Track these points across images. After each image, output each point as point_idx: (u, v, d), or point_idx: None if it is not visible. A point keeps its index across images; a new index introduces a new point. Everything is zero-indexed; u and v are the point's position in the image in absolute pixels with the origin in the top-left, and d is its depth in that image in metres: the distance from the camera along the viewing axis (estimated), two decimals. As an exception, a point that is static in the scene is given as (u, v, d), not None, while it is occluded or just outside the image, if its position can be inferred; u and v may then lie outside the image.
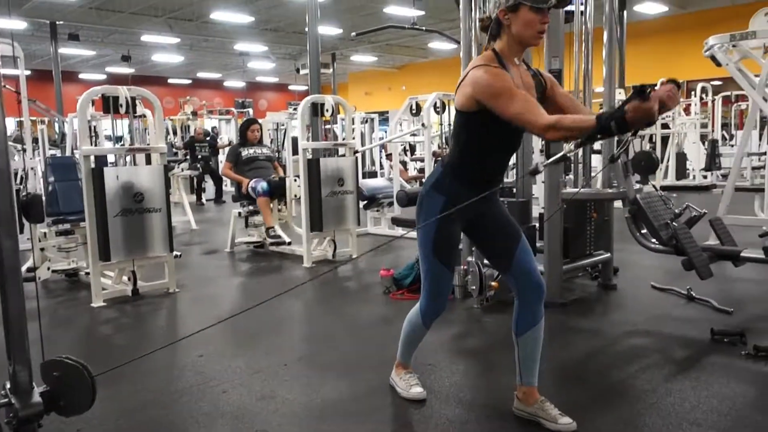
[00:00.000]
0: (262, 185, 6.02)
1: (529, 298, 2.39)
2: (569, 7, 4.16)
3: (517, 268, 2.40)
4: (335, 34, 19.50)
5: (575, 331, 3.58)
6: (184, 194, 8.60)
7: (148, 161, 5.14)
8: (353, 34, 12.84)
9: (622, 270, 4.84)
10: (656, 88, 1.92)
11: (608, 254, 4.43)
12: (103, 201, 4.25)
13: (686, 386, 2.73)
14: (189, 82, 28.91)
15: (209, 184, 12.33)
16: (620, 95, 10.35)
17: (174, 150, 12.39)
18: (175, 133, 15.28)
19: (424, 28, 13.78)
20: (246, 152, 6.32)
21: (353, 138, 6.07)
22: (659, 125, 10.45)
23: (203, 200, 11.46)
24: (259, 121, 7.25)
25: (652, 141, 11.54)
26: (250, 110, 17.66)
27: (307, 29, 10.51)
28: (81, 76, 25.84)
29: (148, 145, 4.95)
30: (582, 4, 4.27)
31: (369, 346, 3.42)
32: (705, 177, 10.59)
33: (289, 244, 5.88)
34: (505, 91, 2.10)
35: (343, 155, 6.00)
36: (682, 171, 10.74)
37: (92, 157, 4.47)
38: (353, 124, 6.49)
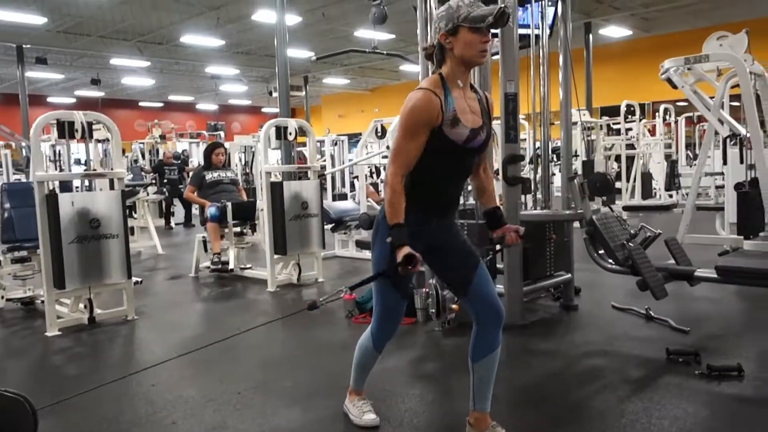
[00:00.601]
0: (211, 210, 5.99)
1: (487, 324, 2.38)
2: (523, 31, 4.23)
3: (475, 295, 2.38)
4: (306, 57, 19.59)
5: (534, 353, 3.58)
6: (149, 218, 8.47)
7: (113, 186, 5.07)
8: (313, 57, 12.81)
9: (584, 290, 4.87)
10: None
11: (569, 275, 4.45)
12: (58, 227, 4.16)
13: (639, 407, 2.74)
14: (161, 105, 28.81)
15: (178, 208, 12.20)
16: (585, 116, 10.55)
17: (143, 174, 12.27)
18: (143, 156, 15.15)
19: (384, 51, 13.89)
20: (210, 176, 6.28)
21: (318, 161, 6.04)
22: (624, 145, 10.63)
23: (172, 224, 11.32)
24: (226, 144, 7.21)
25: (618, 161, 11.74)
26: (221, 133, 17.59)
27: (276, 52, 10.54)
28: (49, 99, 25.55)
29: (110, 170, 4.84)
30: (537, 27, 4.34)
31: (326, 372, 3.37)
32: (670, 196, 10.77)
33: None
34: (409, 126, 2.19)
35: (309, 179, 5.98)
36: (648, 190, 10.90)
37: (48, 183, 4.38)
38: (319, 147, 6.47)
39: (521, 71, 3.99)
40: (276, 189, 5.39)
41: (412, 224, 2.30)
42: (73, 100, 26.04)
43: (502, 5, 2.30)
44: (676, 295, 4.43)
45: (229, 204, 6.02)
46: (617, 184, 11.21)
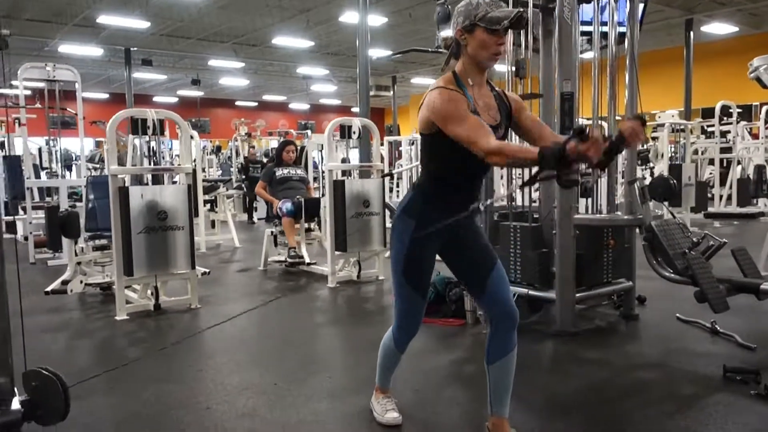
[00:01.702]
0: (287, 206, 6.14)
1: (501, 326, 2.33)
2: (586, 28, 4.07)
3: (490, 296, 2.33)
4: (394, 58, 19.73)
5: (580, 362, 3.44)
6: (228, 213, 8.83)
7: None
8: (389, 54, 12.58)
9: (650, 300, 4.63)
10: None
11: (629, 283, 4.24)
12: (128, 218, 4.43)
13: (680, 426, 2.57)
14: (255, 104, 29.90)
15: (261, 204, 12.62)
16: (674, 117, 9.99)
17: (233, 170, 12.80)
18: (237, 154, 15.80)
19: (444, 50, 13.68)
20: (280, 172, 6.46)
21: (381, 161, 6.07)
22: (718, 149, 9.97)
23: (254, 219, 11.74)
24: (296, 142, 7.40)
25: (723, 165, 11.00)
26: (309, 132, 18.03)
27: (357, 52, 10.68)
28: (155, 99, 27.13)
29: (178, 165, 5.09)
30: (604, 24, 4.15)
31: (364, 369, 3.38)
32: (756, 204, 9.98)
33: (308, 264, 5.94)
34: (455, 114, 2.09)
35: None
36: (745, 197, 10.17)
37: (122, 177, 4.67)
38: (382, 146, 6.51)
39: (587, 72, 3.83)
40: (338, 187, 5.47)
41: (429, 220, 2.28)
42: (176, 100, 27.54)
43: (520, 9, 2.22)
44: (748, 309, 4.12)
45: (303, 200, 6.18)
46: (715, 190, 10.57)
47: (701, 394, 2.92)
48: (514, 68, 4.16)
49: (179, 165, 4.98)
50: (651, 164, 10.22)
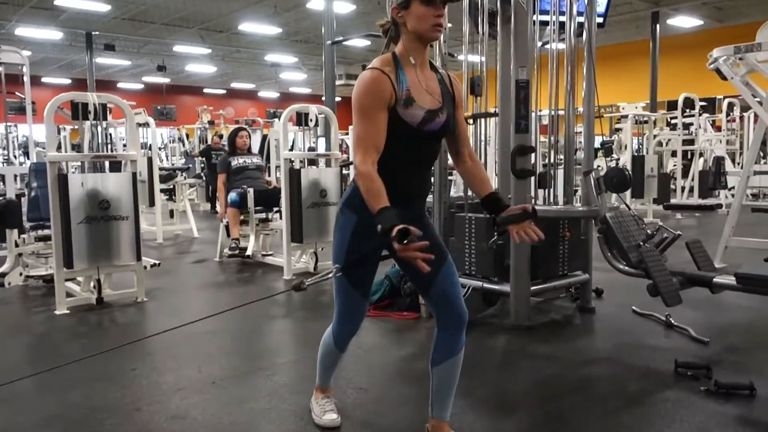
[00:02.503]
0: (232, 195, 5.99)
1: (449, 326, 2.19)
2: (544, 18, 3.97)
3: (438, 294, 2.20)
4: (364, 46, 19.53)
5: (531, 357, 3.35)
6: (187, 202, 8.60)
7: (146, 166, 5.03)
8: (328, 42, 12.20)
9: (608, 292, 4.58)
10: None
11: (585, 275, 4.18)
12: (67, 208, 4.22)
13: (626, 423, 2.50)
14: (224, 92, 29.41)
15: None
16: (637, 109, 10.01)
17: (191, 157, 12.50)
18: (201, 141, 15.47)
19: None
20: (236, 162, 6.28)
21: (344, 150, 5.92)
22: (681, 141, 10.03)
23: (217, 208, 11.47)
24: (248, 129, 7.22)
25: (687, 157, 11.07)
26: (277, 120, 17.77)
27: (323, 40, 10.51)
28: (119, 85, 26.51)
29: (123, 152, 4.87)
30: (562, 14, 4.05)
31: (309, 366, 3.24)
32: (717, 196, 10.08)
33: (248, 257, 5.81)
34: (365, 110, 2.00)
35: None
36: (706, 189, 10.25)
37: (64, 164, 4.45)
38: (347, 135, 6.37)
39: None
40: (294, 176, 5.31)
41: (371, 215, 2.15)
42: (141, 86, 26.94)
43: None
44: (704, 302, 4.09)
45: (250, 190, 6.00)
46: (678, 182, 10.64)
47: (650, 390, 2.85)
48: (468, 86, 4.08)
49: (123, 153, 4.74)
50: (615, 156, 10.24)
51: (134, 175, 4.52)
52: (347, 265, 2.20)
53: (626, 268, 3.51)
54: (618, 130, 10.88)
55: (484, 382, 2.99)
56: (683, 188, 10.31)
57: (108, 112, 9.82)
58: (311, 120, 5.53)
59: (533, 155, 3.78)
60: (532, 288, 3.83)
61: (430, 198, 4.05)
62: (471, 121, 4.05)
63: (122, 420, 2.59)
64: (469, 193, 4.27)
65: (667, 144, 10.41)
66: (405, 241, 1.77)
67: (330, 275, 2.06)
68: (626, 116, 9.60)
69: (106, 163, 8.45)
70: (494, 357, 3.40)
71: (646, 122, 9.86)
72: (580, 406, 2.70)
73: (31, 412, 2.68)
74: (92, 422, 2.57)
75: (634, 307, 4.14)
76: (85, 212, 4.27)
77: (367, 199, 1.96)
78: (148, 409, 2.69)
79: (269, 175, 6.83)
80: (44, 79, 23.85)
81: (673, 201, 9.65)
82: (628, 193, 8.71)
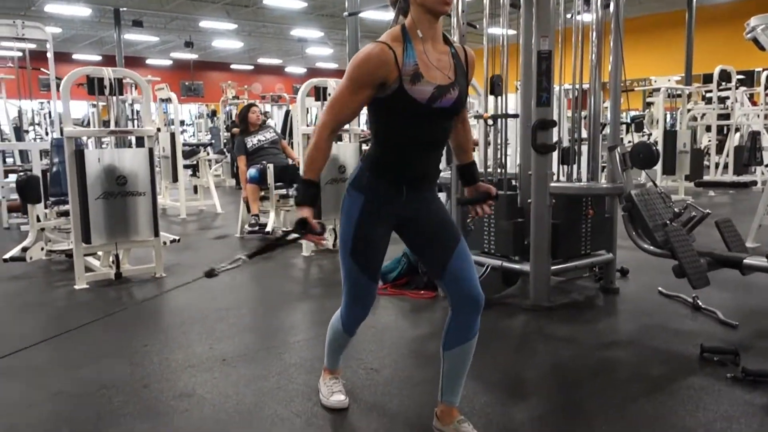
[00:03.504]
0: (251, 172, 5.95)
1: (463, 311, 2.09)
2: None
3: (452, 278, 2.10)
4: (390, 20, 19.20)
5: (549, 339, 3.25)
6: (211, 178, 8.60)
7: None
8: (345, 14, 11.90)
9: (633, 272, 4.43)
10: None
11: (609, 254, 4.03)
12: (84, 183, 4.21)
13: (646, 410, 2.39)
14: (251, 68, 29.36)
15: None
16: (670, 82, 9.66)
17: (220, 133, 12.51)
18: (229, 117, 15.47)
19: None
20: (251, 143, 6.22)
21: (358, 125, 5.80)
22: (716, 116, 9.65)
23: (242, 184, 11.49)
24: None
25: (721, 132, 10.66)
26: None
27: (345, 12, 10.33)
28: (148, 61, 26.65)
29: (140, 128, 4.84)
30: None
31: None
32: (753, 172, 9.69)
33: (268, 233, 5.76)
34: (352, 80, 1.95)
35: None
36: (741, 166, 9.88)
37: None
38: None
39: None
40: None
41: (383, 195, 2.07)
42: (170, 62, 27.04)
43: None
44: (734, 284, 3.92)
45: (270, 166, 5.95)
46: (712, 158, 10.29)
47: (673, 376, 2.73)
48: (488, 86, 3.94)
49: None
50: (646, 131, 9.92)
51: (151, 150, 4.49)
52: (355, 249, 2.13)
53: (651, 247, 3.36)
54: (650, 104, 10.52)
55: (498, 364, 2.90)
56: (717, 164, 9.95)
57: (134, 88, 9.85)
58: (329, 94, 5.41)
59: (556, 130, 3.64)
60: (553, 267, 3.71)
61: (447, 174, 3.94)
62: (491, 121, 3.93)
63: (129, 397, 2.56)
64: (489, 170, 4.15)
65: (701, 118, 10.03)
66: (302, 231, 1.95)
67: (239, 263, 2.00)
68: (658, 90, 9.27)
69: (132, 139, 8.47)
70: (510, 339, 3.31)
71: (679, 96, 9.51)
72: (599, 391, 2.60)
73: (41, 386, 2.68)
74: (100, 399, 2.55)
75: (660, 288, 3.99)
76: (102, 188, 4.26)
77: (305, 162, 2.04)
78: (156, 387, 2.67)
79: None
80: (75, 56, 24.08)
81: (706, 178, 9.33)
82: (659, 169, 8.45)
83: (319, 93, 5.46)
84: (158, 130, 8.65)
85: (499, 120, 4.05)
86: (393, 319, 3.65)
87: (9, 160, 9.81)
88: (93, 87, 4.37)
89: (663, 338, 3.22)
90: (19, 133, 10.87)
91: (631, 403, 2.47)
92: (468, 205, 2.26)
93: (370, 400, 2.53)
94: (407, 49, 1.93)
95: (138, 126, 9.36)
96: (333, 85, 5.47)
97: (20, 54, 7.17)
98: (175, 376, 2.78)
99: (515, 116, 3.94)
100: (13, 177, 7.15)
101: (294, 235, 1.97)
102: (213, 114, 18.48)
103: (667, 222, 3.36)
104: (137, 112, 11.62)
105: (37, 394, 2.61)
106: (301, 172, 2.14)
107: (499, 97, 4.07)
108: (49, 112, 15.92)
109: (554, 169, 3.81)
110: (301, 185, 2.03)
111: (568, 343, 3.19)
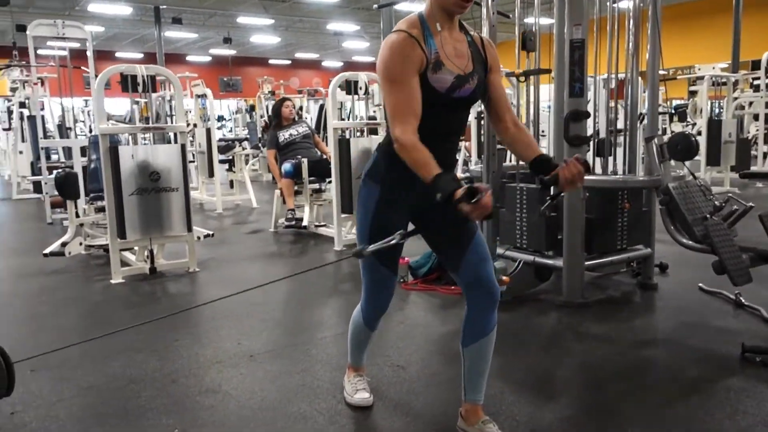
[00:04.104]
0: (286, 166, 5.95)
1: (479, 305, 2.06)
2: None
3: (467, 271, 2.06)
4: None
5: (581, 337, 3.16)
6: (246, 173, 8.68)
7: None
8: (375, 6, 11.67)
9: (673, 267, 4.29)
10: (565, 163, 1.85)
11: (647, 249, 3.90)
12: (119, 179, 4.27)
13: (680, 414, 2.30)
14: (288, 62, 29.55)
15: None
16: (714, 70, 9.31)
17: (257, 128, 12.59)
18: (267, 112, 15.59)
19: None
20: (282, 137, 6.23)
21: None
22: (764, 104, 9.27)
23: (278, 179, 11.58)
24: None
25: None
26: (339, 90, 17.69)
27: (376, 5, 10.27)
28: (188, 58, 27.06)
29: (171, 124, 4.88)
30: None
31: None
32: None
33: (305, 228, 5.76)
34: (395, 75, 1.84)
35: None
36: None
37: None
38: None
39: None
40: (343, 146, 5.21)
41: (398, 185, 2.02)
42: (209, 59, 27.40)
43: None
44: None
45: (305, 160, 5.95)
46: (759, 148, 9.92)
47: (712, 377, 2.62)
48: (520, 42, 3.81)
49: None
50: (690, 120, 9.60)
51: (183, 146, 4.53)
52: (371, 240, 2.09)
53: (690, 242, 3.23)
54: (694, 93, 10.17)
55: (527, 363, 2.83)
56: (765, 155, 9.57)
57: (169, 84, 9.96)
58: (360, 88, 5.38)
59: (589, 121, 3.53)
60: (587, 262, 3.61)
61: (478, 167, 3.87)
62: (523, 78, 3.81)
63: (157, 392, 2.59)
64: (521, 162, 4.06)
65: (749, 107, 9.65)
66: (475, 200, 1.63)
67: (393, 241, 1.92)
68: (702, 78, 8.95)
69: (171, 136, 8.62)
70: (541, 336, 3.23)
71: (724, 84, 9.16)
72: (631, 393, 2.50)
73: (71, 380, 2.73)
74: (128, 393, 2.58)
75: (701, 285, 3.85)
76: (136, 184, 4.32)
77: (416, 170, 1.83)
78: (183, 382, 2.69)
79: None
80: (117, 54, 24.61)
81: (753, 168, 9.00)
82: (702, 160, 8.18)
83: (350, 86, 5.42)
84: (194, 126, 8.81)
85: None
86: (422, 315, 3.61)
87: (54, 157, 10.09)
88: (127, 84, 4.43)
89: (702, 337, 3.10)
90: (62, 130, 11.18)
91: (665, 405, 2.37)
92: (555, 184, 1.88)
93: (395, 398, 2.50)
94: (426, 37, 1.88)
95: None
96: (364, 78, 5.44)
97: (65, 53, 7.35)
98: (202, 372, 2.80)
99: (547, 71, 3.78)
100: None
101: (470, 204, 1.64)
102: (251, 109, 18.69)
103: (707, 216, 3.22)
104: (172, 107, 11.85)
105: (67, 388, 2.66)
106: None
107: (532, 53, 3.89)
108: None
109: (590, 161, 3.69)
110: (436, 182, 1.75)
111: (601, 341, 3.09)
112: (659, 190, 3.36)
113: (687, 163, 5.31)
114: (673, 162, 3.52)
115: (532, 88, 4.04)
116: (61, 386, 2.67)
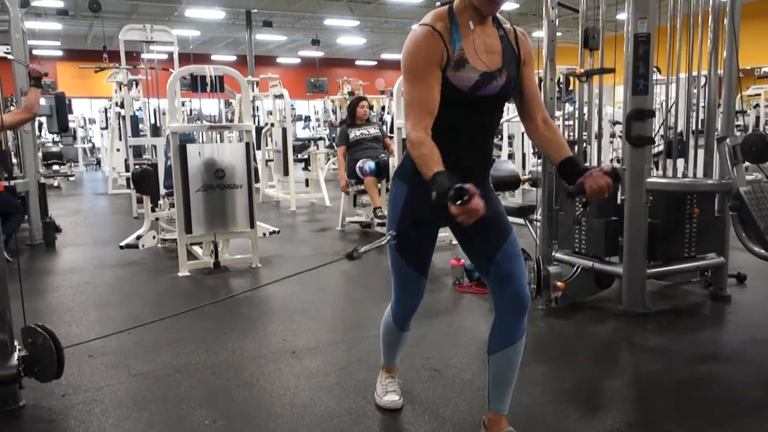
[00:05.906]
0: (369, 165, 5.94)
1: (508, 311, 1.98)
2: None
3: (498, 274, 1.98)
4: (512, 9, 18.70)
5: (636, 349, 2.98)
6: (320, 171, 8.82)
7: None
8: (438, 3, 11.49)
9: (753, 279, 3.98)
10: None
11: (720, 258, 3.63)
12: (186, 176, 4.45)
13: (731, 438, 2.11)
14: (374, 63, 29.84)
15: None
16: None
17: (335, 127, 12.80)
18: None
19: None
20: (353, 134, 6.27)
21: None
22: None
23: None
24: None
25: None
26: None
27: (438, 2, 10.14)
28: (278, 60, 27.87)
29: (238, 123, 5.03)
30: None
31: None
32: None
33: (369, 226, 5.74)
34: (415, 70, 1.82)
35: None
36: None
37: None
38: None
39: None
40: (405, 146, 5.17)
41: (423, 185, 1.96)
42: (298, 61, 28.11)
43: None
44: None
45: (384, 157, 6.00)
46: None
47: (775, 400, 2.40)
48: (582, 38, 3.62)
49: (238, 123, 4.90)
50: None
51: (248, 145, 4.66)
52: (399, 240, 2.05)
53: (763, 251, 2.98)
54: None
55: (574, 373, 2.70)
56: None
57: (255, 85, 10.28)
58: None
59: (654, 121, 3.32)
60: (650, 270, 3.41)
61: (537, 169, 3.73)
62: (584, 78, 3.64)
63: (197, 383, 2.67)
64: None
65: None
66: (460, 202, 1.57)
67: (384, 242, 1.91)
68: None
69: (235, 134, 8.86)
70: (594, 346, 3.07)
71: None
72: (683, 411, 2.33)
73: (122, 367, 2.85)
74: (170, 382, 2.67)
75: (781, 298, 3.55)
76: (202, 181, 4.49)
77: (420, 167, 1.80)
78: (223, 374, 2.76)
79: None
80: (213, 57, 25.71)
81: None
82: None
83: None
84: (272, 125, 9.06)
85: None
86: (471, 318, 3.53)
87: (146, 155, 10.68)
88: (196, 84, 4.60)
89: (772, 355, 2.85)
90: (155, 129, 11.83)
91: (716, 426, 2.19)
92: (581, 195, 1.81)
93: (425, 401, 2.45)
94: (453, 32, 1.83)
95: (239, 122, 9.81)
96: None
97: (165, 56, 7.72)
98: (243, 365, 2.86)
99: (611, 71, 3.60)
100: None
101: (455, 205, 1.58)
102: (339, 108, 19.01)
103: (784, 223, 2.96)
104: (257, 108, 12.24)
105: (117, 374, 2.78)
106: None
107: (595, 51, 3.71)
108: (189, 110, 17.19)
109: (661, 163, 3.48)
110: (434, 180, 1.71)
111: (657, 354, 2.90)
112: (730, 194, 3.12)
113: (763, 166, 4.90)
114: (747, 164, 3.25)
115: (595, 89, 3.85)
116: (112, 372, 2.80)
